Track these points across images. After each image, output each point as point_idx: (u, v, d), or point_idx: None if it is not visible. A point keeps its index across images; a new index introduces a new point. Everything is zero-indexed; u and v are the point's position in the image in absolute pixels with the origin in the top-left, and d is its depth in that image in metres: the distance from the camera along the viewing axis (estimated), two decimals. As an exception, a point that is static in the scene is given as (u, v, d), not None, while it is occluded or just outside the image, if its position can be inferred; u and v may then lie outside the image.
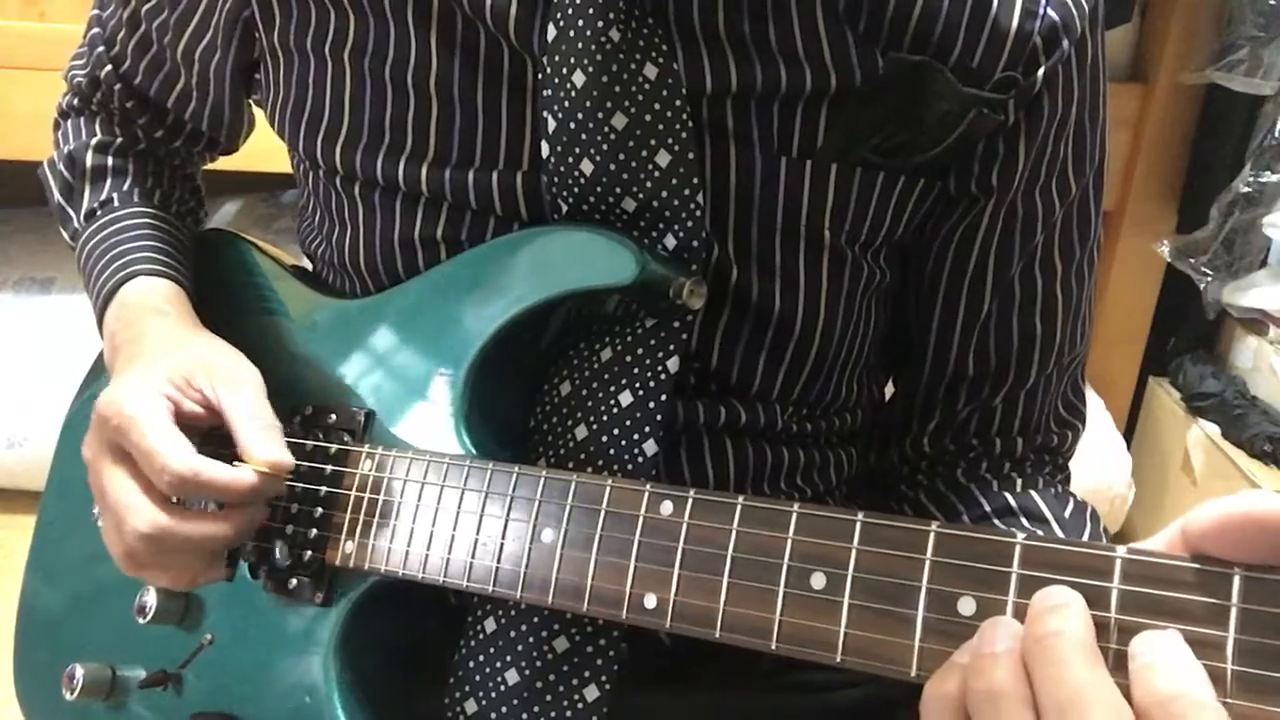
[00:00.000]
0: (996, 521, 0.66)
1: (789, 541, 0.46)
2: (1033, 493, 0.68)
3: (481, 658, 0.60)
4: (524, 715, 0.58)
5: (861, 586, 0.44)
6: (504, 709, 0.59)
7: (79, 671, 0.70)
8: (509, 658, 0.59)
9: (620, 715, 0.59)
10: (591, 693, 0.58)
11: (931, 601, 0.43)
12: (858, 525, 0.45)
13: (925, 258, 0.69)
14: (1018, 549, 0.41)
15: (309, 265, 0.79)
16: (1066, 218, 0.68)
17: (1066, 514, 0.67)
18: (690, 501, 0.50)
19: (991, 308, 0.68)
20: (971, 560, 0.42)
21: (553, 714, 0.58)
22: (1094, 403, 1.81)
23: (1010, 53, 0.61)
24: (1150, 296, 1.86)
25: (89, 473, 0.63)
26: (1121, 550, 0.39)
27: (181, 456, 0.58)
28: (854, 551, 0.45)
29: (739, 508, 0.48)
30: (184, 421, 0.61)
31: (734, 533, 0.48)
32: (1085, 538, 0.66)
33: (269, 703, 0.64)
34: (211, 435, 0.63)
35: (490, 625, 0.60)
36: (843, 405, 0.71)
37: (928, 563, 0.43)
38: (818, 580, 0.45)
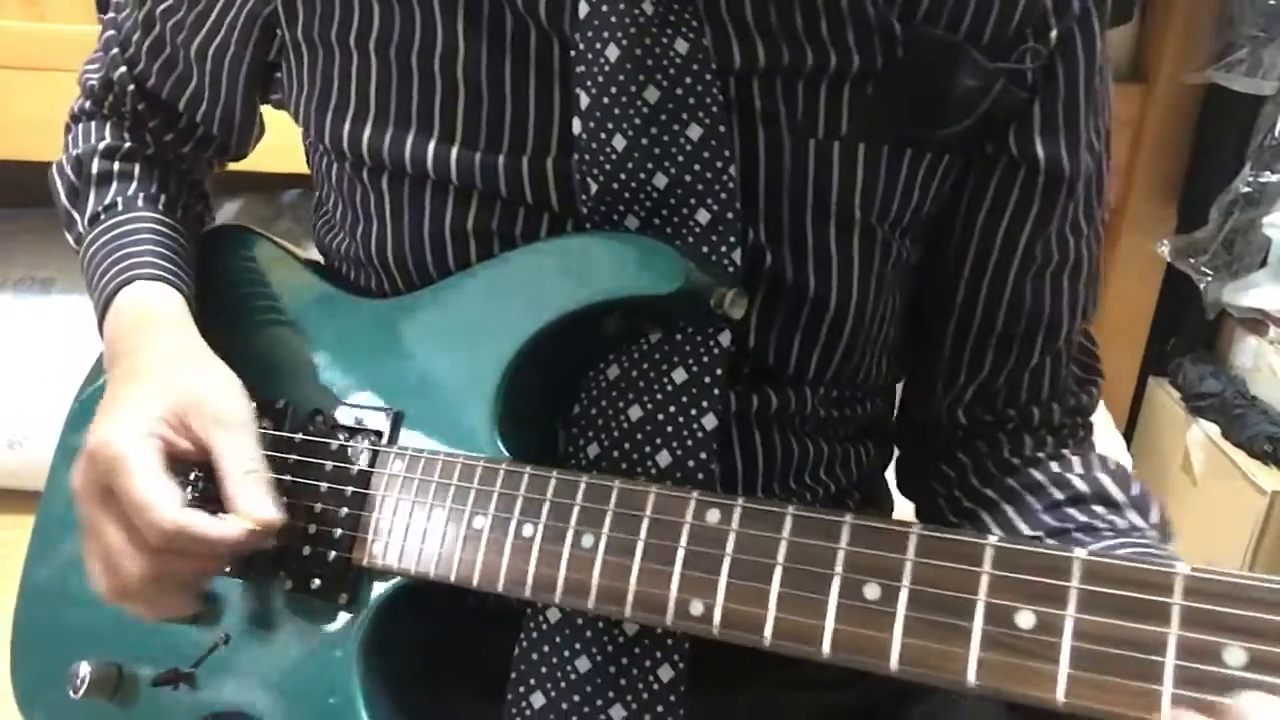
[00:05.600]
0: (1072, 510, 0.66)
1: (841, 551, 0.46)
2: (1098, 475, 0.67)
3: (546, 648, 0.59)
4: (598, 701, 0.58)
5: (917, 598, 0.44)
6: (576, 698, 0.58)
7: (85, 669, 0.69)
8: (577, 645, 0.59)
9: None
10: (666, 673, 0.58)
11: (990, 614, 0.42)
12: (913, 537, 0.45)
13: (953, 223, 0.68)
14: (1076, 565, 0.41)
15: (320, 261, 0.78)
16: (1088, 179, 0.68)
17: (1134, 493, 0.67)
18: (738, 510, 0.49)
19: (1022, 267, 0.68)
20: (1030, 574, 0.42)
21: (628, 697, 0.57)
22: (1093, 402, 1.82)
23: (1021, 15, 0.61)
24: (1150, 296, 1.86)
25: (78, 506, 0.62)
26: (1184, 566, 0.39)
27: (168, 510, 0.57)
28: (909, 563, 0.45)
29: (789, 517, 0.48)
30: (176, 460, 0.61)
31: (784, 542, 0.48)
32: (1153, 516, 0.66)
33: (289, 703, 0.64)
34: (206, 471, 0.63)
35: (554, 615, 0.59)
36: (870, 388, 0.71)
37: (985, 576, 0.43)
38: (871, 591, 0.45)
